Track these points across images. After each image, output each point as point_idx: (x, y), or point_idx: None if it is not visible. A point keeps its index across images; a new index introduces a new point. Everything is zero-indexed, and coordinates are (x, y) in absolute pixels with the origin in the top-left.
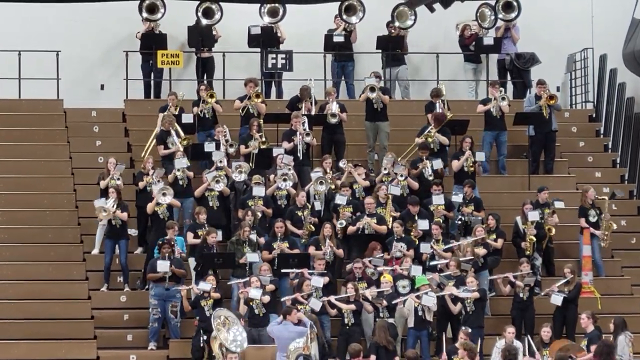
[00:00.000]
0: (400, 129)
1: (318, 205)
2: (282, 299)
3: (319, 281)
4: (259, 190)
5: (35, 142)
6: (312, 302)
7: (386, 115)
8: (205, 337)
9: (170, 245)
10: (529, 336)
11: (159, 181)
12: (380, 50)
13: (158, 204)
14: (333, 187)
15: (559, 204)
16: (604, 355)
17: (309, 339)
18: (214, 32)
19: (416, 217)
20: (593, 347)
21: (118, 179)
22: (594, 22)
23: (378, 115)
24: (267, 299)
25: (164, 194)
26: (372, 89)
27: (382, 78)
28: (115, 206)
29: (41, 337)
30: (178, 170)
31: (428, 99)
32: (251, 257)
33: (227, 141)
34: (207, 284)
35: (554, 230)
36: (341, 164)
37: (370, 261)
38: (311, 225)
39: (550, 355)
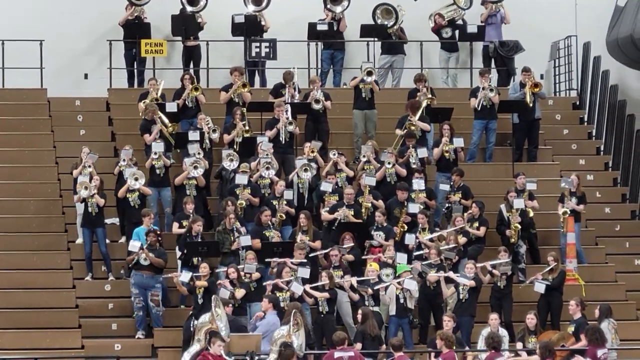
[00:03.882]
0: (386, 117)
1: (288, 195)
2: (264, 284)
3: (306, 272)
4: (242, 179)
5: (19, 131)
6: (294, 287)
7: (374, 103)
8: (196, 323)
9: (155, 233)
10: None
11: (125, 161)
12: (365, 39)
13: (130, 190)
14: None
15: (530, 186)
16: (599, 339)
17: (291, 326)
18: (199, 20)
19: (405, 203)
20: (581, 335)
21: (89, 166)
22: (578, 10)
23: (367, 104)
24: (242, 292)
25: (135, 178)
26: (370, 73)
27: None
28: (96, 189)
29: (25, 326)
30: (155, 153)
31: (413, 87)
32: (244, 240)
33: (209, 127)
34: (188, 274)
35: (532, 213)
36: (331, 154)
37: (339, 250)
38: (282, 215)
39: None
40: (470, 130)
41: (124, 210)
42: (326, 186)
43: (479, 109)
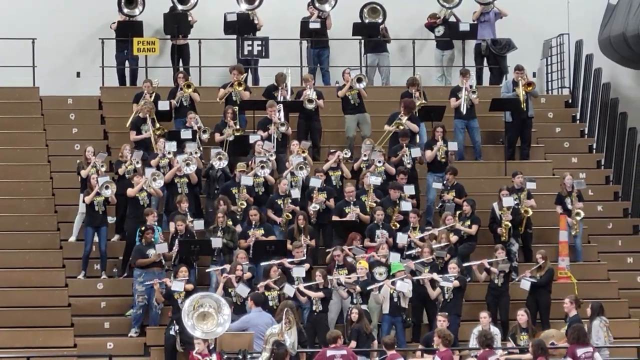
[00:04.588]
0: (379, 115)
1: (296, 194)
2: (257, 286)
3: (301, 271)
4: (246, 180)
5: (11, 130)
6: (286, 288)
7: (364, 107)
8: (177, 328)
9: (152, 230)
10: None
11: (139, 163)
12: (357, 37)
13: (140, 190)
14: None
15: (530, 185)
16: (579, 338)
17: (285, 324)
18: (190, 18)
19: (398, 201)
20: None
21: (102, 165)
22: (570, 8)
23: (357, 108)
24: (246, 290)
25: (154, 179)
26: (360, 80)
27: (360, 67)
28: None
29: (18, 325)
30: (168, 153)
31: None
32: (215, 242)
33: (199, 128)
34: (180, 283)
35: (530, 212)
36: (343, 153)
37: (350, 249)
38: (289, 214)
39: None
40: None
41: (124, 209)
42: (315, 182)
43: (460, 109)
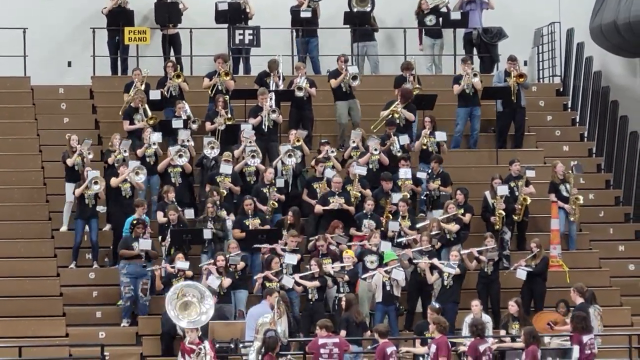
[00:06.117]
0: (369, 104)
1: (281, 183)
2: (254, 277)
3: (293, 258)
4: (226, 168)
5: (2, 119)
6: (285, 280)
7: (353, 93)
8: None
9: (144, 225)
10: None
11: (127, 152)
12: (346, 27)
13: (124, 180)
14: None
15: (530, 173)
16: (584, 328)
17: (276, 314)
18: (180, 6)
19: (390, 193)
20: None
21: (89, 152)
22: None
23: (349, 95)
24: (228, 282)
25: (137, 173)
26: (355, 78)
27: (351, 56)
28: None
29: (10, 314)
30: (153, 144)
31: (397, 73)
32: (205, 233)
33: (188, 117)
34: (185, 263)
35: (529, 200)
36: (328, 149)
37: (332, 238)
38: (275, 203)
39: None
40: (453, 117)
41: (113, 199)
42: (329, 172)
43: (463, 95)
